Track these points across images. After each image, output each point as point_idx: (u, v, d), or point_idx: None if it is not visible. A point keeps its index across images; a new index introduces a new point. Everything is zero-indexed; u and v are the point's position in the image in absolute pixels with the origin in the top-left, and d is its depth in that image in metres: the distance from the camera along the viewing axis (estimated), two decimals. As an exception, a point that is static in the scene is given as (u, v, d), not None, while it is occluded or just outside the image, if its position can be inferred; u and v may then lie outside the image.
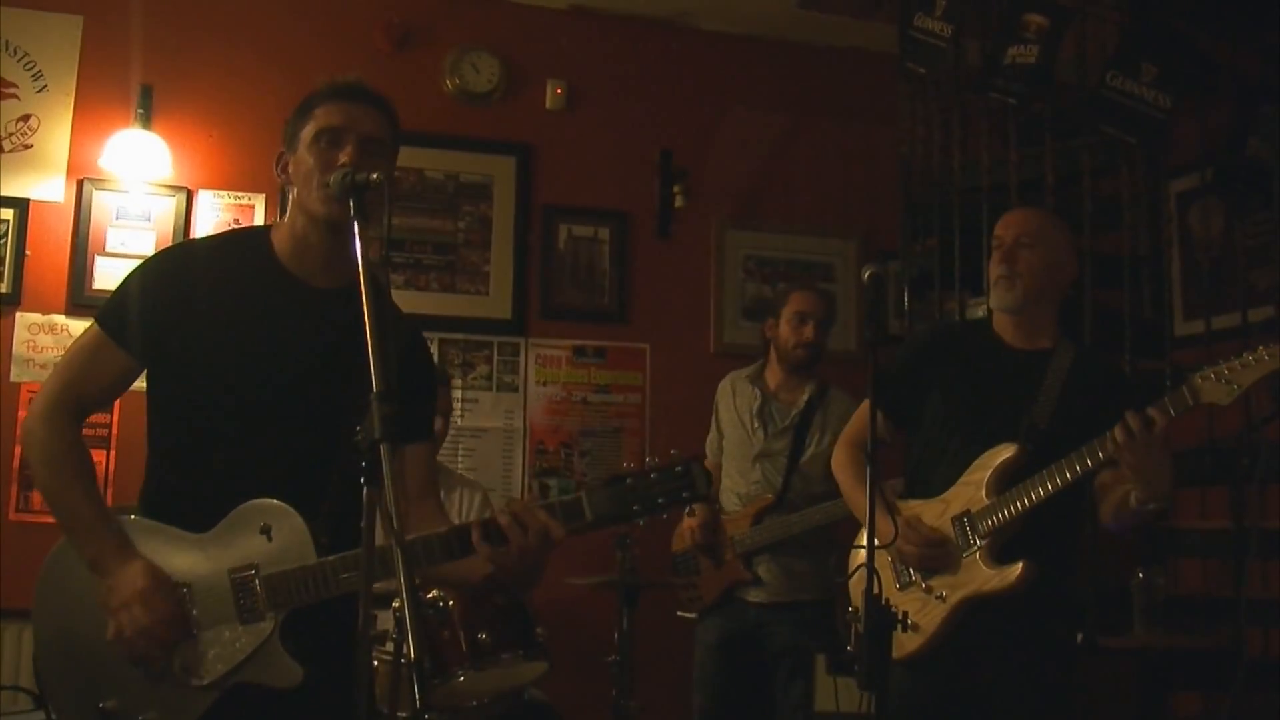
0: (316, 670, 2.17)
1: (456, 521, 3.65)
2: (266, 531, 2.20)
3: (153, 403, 2.35)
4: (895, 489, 3.22)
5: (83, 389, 2.33)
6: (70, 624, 2.27)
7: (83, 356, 2.34)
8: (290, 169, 2.34)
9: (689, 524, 4.30)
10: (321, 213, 2.25)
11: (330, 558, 2.16)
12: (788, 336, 4.29)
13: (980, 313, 3.98)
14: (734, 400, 4.40)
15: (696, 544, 4.26)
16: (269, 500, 2.21)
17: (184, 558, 2.22)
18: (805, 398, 4.28)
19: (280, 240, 2.36)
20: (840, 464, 3.27)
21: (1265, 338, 2.81)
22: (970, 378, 3.10)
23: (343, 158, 2.22)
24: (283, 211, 4.73)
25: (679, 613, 4.35)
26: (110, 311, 2.33)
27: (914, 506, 3.06)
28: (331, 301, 2.32)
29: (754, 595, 4.20)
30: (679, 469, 2.15)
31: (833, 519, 4.04)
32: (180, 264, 2.35)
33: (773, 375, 4.38)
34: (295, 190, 2.33)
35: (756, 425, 4.30)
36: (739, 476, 4.27)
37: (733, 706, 4.24)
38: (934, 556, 2.97)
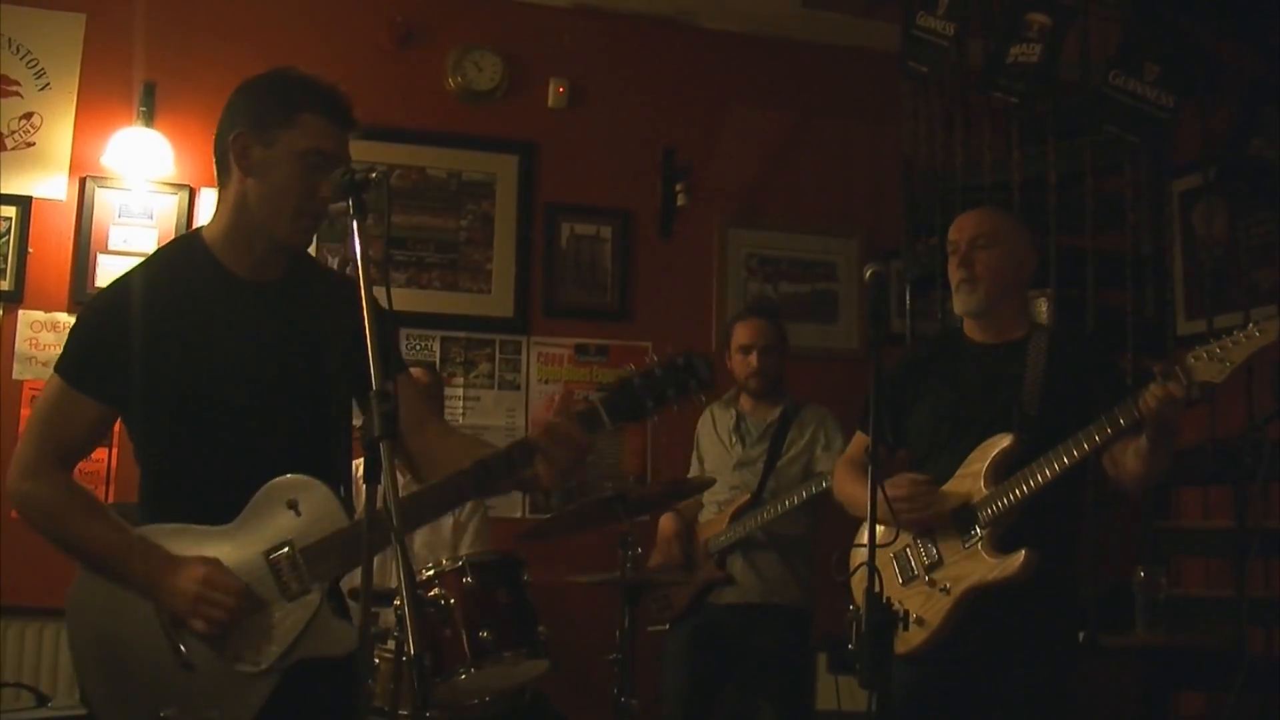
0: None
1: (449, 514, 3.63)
2: (294, 506, 2.19)
3: (130, 427, 2.32)
4: (904, 459, 3.23)
5: (61, 443, 2.25)
6: (114, 638, 2.22)
7: (50, 412, 2.26)
8: (255, 159, 2.24)
9: (664, 535, 4.30)
10: (286, 237, 2.25)
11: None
12: (739, 371, 4.33)
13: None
14: (714, 426, 4.44)
15: (674, 557, 4.25)
16: (290, 476, 2.20)
17: (215, 551, 2.19)
18: (779, 412, 4.31)
19: (215, 238, 2.30)
20: (839, 481, 3.28)
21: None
22: (953, 381, 3.11)
23: (325, 191, 2.17)
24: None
25: (649, 627, 4.28)
26: (71, 362, 2.27)
27: None
28: (271, 293, 2.30)
29: (727, 596, 4.18)
30: (681, 361, 2.20)
31: (804, 502, 4.07)
32: (123, 298, 2.27)
33: (745, 400, 4.41)
34: (254, 184, 2.24)
35: (734, 440, 4.33)
36: (719, 486, 4.27)
37: (704, 712, 4.20)
38: (924, 500, 2.94)
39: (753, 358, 4.27)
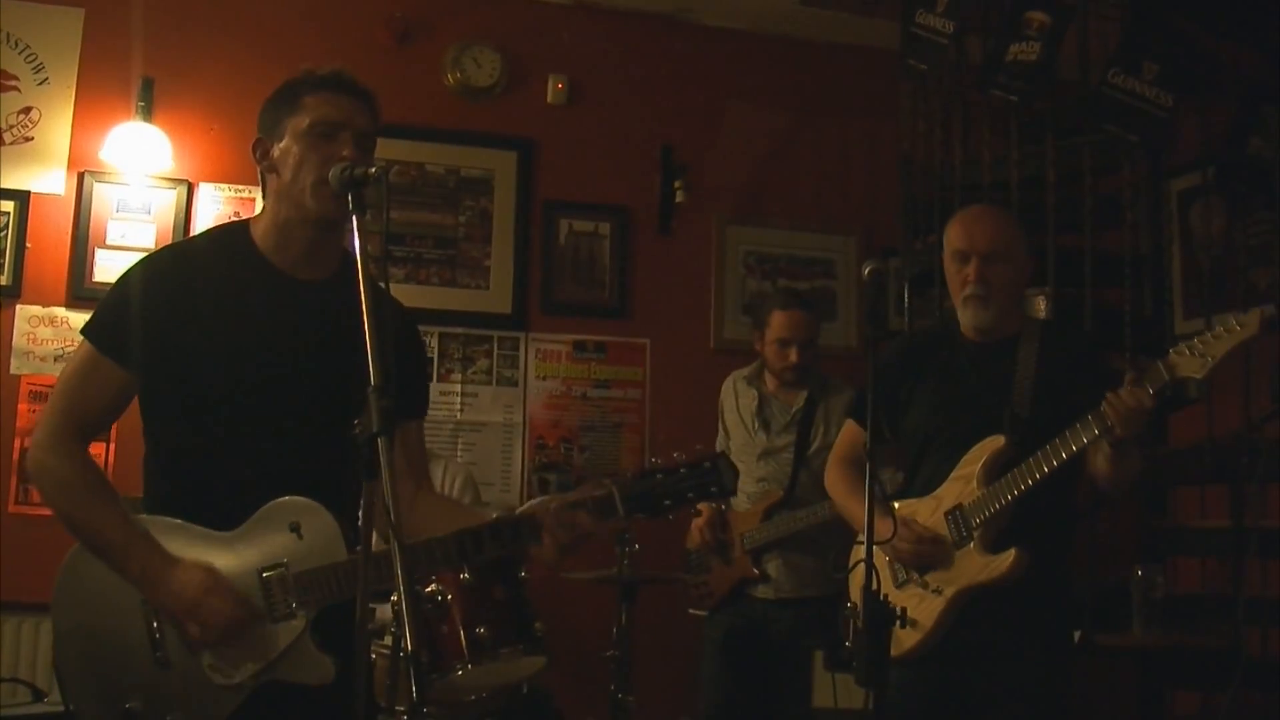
0: (344, 665, 2.15)
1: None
2: (296, 529, 2.19)
3: (149, 408, 2.31)
4: (894, 480, 3.24)
5: (85, 413, 2.27)
6: (92, 626, 2.23)
7: (79, 379, 2.27)
8: (275, 157, 2.30)
9: (697, 523, 4.31)
10: (315, 209, 2.24)
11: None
12: (774, 361, 4.31)
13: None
14: (736, 401, 4.41)
15: (706, 543, 4.26)
16: (298, 498, 2.20)
17: (211, 556, 2.19)
18: (804, 395, 4.30)
19: (261, 233, 2.33)
20: (832, 481, 3.28)
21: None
22: (946, 380, 3.11)
23: (343, 152, 2.21)
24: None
25: (690, 610, 4.35)
26: (102, 327, 2.28)
27: (908, 505, 3.07)
28: (318, 293, 2.31)
29: (762, 592, 4.21)
30: (707, 464, 2.19)
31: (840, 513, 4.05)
32: (168, 270, 2.31)
33: (770, 381, 4.38)
34: (278, 180, 2.30)
35: (757, 426, 4.30)
36: (745, 475, 4.23)
37: (739, 702, 4.23)
38: (928, 553, 2.98)
39: (792, 352, 4.25)
